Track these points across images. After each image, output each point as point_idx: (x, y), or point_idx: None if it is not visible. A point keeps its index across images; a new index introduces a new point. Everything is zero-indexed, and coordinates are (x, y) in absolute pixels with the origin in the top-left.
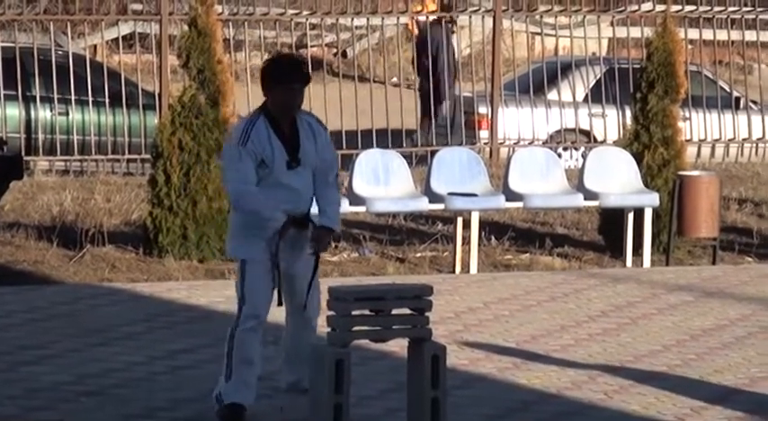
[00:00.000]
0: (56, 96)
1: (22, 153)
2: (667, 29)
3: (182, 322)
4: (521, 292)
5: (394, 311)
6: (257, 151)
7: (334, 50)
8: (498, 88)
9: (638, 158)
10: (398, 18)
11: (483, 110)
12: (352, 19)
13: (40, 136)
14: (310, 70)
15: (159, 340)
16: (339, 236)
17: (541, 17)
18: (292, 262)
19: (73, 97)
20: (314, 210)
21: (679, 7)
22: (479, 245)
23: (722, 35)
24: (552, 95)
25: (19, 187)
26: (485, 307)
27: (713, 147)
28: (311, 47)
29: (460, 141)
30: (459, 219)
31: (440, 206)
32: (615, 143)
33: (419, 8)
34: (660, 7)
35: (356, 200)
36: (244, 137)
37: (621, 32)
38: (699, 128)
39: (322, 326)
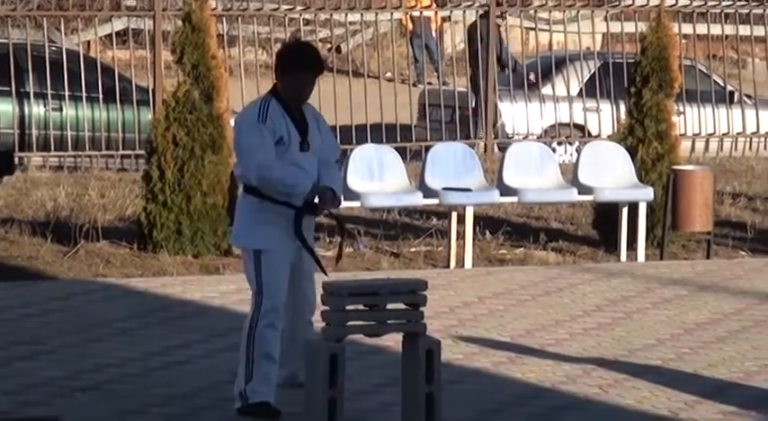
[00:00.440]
0: (49, 92)
1: (15, 149)
2: (661, 23)
3: (176, 317)
4: (515, 287)
5: (388, 306)
6: (276, 128)
7: (329, 46)
8: (492, 83)
9: (633, 153)
10: (392, 13)
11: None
12: (346, 14)
13: (34, 132)
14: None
15: (154, 335)
16: (338, 198)
17: (536, 12)
18: (299, 249)
19: (66, 93)
20: None
21: (673, 2)
22: (474, 239)
23: (716, 29)
24: (546, 90)
25: (13, 183)
26: (479, 301)
27: (707, 142)
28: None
29: (497, 133)
30: (454, 214)
31: (434, 201)
32: (609, 137)
33: (413, 3)
34: (654, 2)
35: (351, 195)
36: (262, 115)
37: (615, 27)
38: (693, 122)
39: (317, 321)
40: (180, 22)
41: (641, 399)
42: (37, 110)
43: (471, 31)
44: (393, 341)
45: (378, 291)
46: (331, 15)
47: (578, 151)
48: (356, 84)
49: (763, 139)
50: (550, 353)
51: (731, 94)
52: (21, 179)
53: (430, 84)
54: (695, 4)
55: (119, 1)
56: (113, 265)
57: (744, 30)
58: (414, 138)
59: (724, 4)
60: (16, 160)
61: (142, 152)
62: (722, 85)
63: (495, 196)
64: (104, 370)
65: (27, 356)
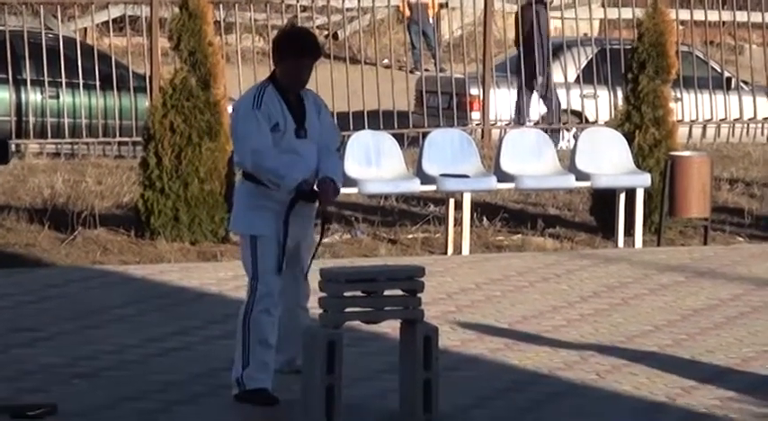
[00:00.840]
0: (46, 79)
1: (12, 136)
2: (658, 9)
3: (174, 304)
4: (513, 273)
5: (386, 292)
6: (271, 114)
7: (326, 32)
8: (490, 69)
9: (630, 139)
10: (389, 0)
11: (475, 91)
12: (343, 1)
13: (31, 119)
14: None
15: (151, 322)
16: (338, 189)
17: None
18: (300, 235)
19: (63, 80)
20: None
21: None
22: (471, 226)
23: (713, 15)
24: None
25: (10, 170)
26: (477, 288)
27: (704, 128)
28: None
29: (551, 120)
30: (451, 201)
31: (432, 187)
32: (607, 124)
33: None
34: None
35: (348, 181)
36: (257, 101)
37: (613, 13)
38: (690, 108)
39: (314, 308)
40: (177, 9)
41: (638, 385)
42: (34, 97)
43: (519, 17)
44: (391, 327)
45: (375, 278)
46: (328, 2)
47: (576, 137)
48: (353, 70)
49: (760, 125)
50: (548, 339)
51: (728, 80)
52: (18, 166)
53: (427, 70)
54: None
55: None
56: (111, 252)
57: (741, 16)
58: (411, 125)
59: None
60: (13, 147)
61: (139, 139)
62: (719, 71)
63: (492, 183)
64: (102, 356)
65: (25, 343)
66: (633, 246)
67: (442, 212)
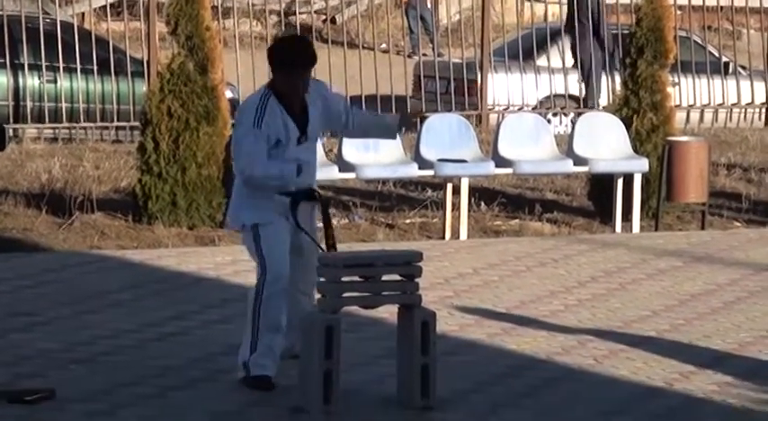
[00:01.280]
0: (44, 64)
1: (10, 121)
2: None
3: (171, 289)
4: (510, 258)
5: (384, 277)
6: (272, 133)
7: (324, 17)
8: (488, 54)
9: (628, 124)
10: None
11: (472, 76)
12: None
13: (29, 104)
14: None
15: (149, 307)
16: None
17: None
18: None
19: (61, 65)
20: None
21: None
22: (469, 211)
23: (711, 0)
24: (542, 61)
25: (7, 155)
26: (474, 273)
27: (702, 113)
28: (300, 13)
29: (593, 104)
30: (449, 186)
31: (429, 172)
32: (604, 109)
33: None
34: None
35: (346, 166)
36: (257, 119)
37: None
38: (688, 93)
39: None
40: None
41: (636, 370)
42: (31, 82)
43: (573, 3)
44: (388, 312)
45: (373, 263)
46: None
47: (573, 122)
48: (351, 55)
49: (757, 110)
50: (545, 324)
51: (726, 65)
52: (15, 151)
53: (425, 55)
54: None
55: None
56: (108, 237)
57: (739, 0)
58: (409, 110)
59: None
60: (10, 132)
61: (137, 124)
62: (717, 56)
63: (490, 167)
64: (100, 342)
65: (22, 328)
66: (631, 231)
67: (439, 197)
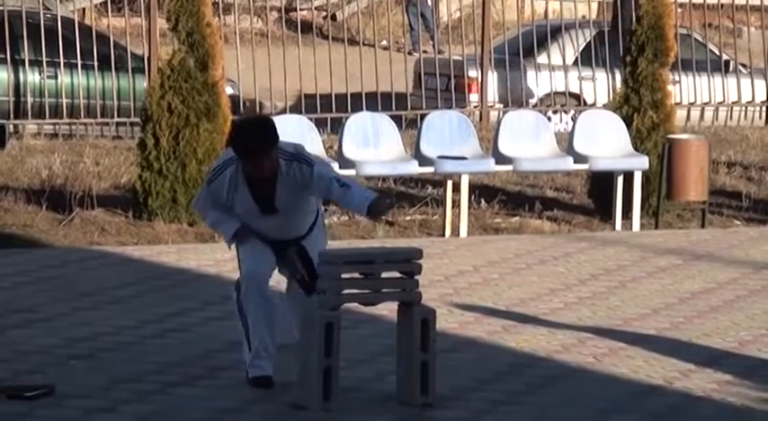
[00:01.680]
0: (44, 59)
1: (10, 117)
2: None
3: (171, 285)
4: (510, 256)
5: (383, 275)
6: (219, 197)
7: (324, 13)
8: (488, 51)
9: (628, 122)
10: None
11: (473, 73)
12: None
13: (29, 99)
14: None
15: (149, 303)
16: (386, 197)
17: None
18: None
19: (62, 60)
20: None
21: None
22: (469, 208)
23: None
24: (542, 59)
25: (8, 150)
26: (474, 270)
27: (702, 111)
28: (301, 10)
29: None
30: (449, 183)
31: (430, 169)
32: (605, 106)
33: None
34: None
35: (346, 163)
36: (213, 177)
37: None
38: (688, 91)
39: None
40: None
41: (636, 368)
42: (32, 77)
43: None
44: (388, 310)
45: (373, 260)
46: None
47: (574, 120)
48: (352, 52)
49: (758, 108)
50: (545, 321)
51: (726, 63)
52: (16, 147)
53: (425, 52)
54: None
55: None
56: (108, 233)
57: None
58: (409, 107)
59: None
60: (11, 128)
61: (137, 120)
62: (718, 53)
63: (490, 165)
64: (99, 338)
65: (22, 324)
66: (631, 229)
67: (439, 194)
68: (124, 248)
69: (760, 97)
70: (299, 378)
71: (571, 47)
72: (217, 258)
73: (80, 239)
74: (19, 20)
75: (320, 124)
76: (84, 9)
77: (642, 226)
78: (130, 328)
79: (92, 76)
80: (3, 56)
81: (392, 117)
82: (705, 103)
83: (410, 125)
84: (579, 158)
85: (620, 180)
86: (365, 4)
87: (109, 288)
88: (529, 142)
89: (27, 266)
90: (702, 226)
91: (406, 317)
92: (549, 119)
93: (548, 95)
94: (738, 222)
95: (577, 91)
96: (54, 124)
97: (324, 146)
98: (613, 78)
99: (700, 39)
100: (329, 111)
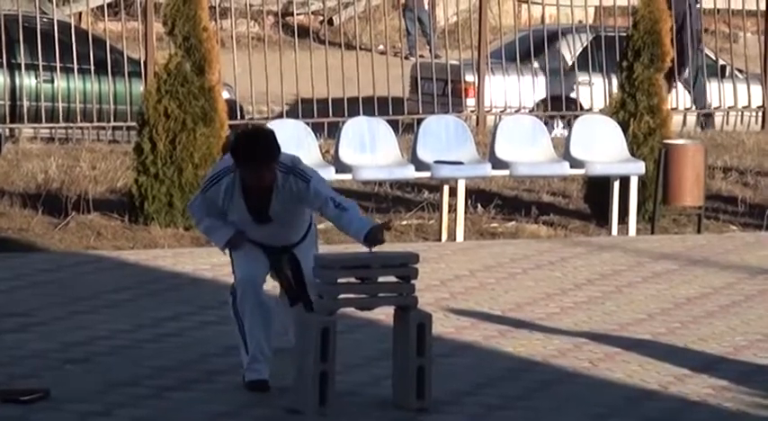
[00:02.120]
0: (41, 64)
1: (6, 121)
2: None
3: (167, 289)
4: (506, 260)
5: (380, 279)
6: (213, 205)
7: (321, 18)
8: (485, 56)
9: (624, 127)
10: None
11: (470, 78)
12: None
13: (25, 103)
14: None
15: (145, 308)
16: (382, 226)
17: None
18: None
19: (58, 64)
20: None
21: None
22: (465, 213)
23: (708, 3)
24: (539, 63)
25: (3, 154)
26: (471, 275)
27: (698, 116)
28: (297, 14)
29: (702, 105)
30: (446, 187)
31: (426, 174)
32: (601, 111)
33: None
34: None
35: (342, 167)
36: (208, 186)
37: (608, 1)
38: (685, 96)
39: None
40: None
41: (631, 373)
42: (28, 81)
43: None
44: (384, 314)
45: (369, 264)
46: None
47: (570, 125)
48: (348, 56)
49: (754, 114)
50: (541, 326)
51: (723, 68)
52: (12, 151)
53: (422, 56)
54: None
55: None
56: (104, 237)
57: (735, 3)
58: (406, 111)
59: None
60: (6, 132)
61: (134, 124)
62: (714, 58)
63: (486, 169)
64: (95, 342)
65: (17, 328)
66: (627, 233)
67: (436, 199)
68: (120, 252)
69: (756, 102)
70: (295, 382)
71: (568, 52)
72: (213, 262)
73: (76, 243)
74: (15, 24)
75: (317, 129)
76: (80, 13)
77: (638, 231)
78: (126, 332)
79: (88, 81)
80: None
81: (389, 122)
82: (701, 109)
83: (407, 130)
84: (575, 163)
85: (617, 185)
86: (362, 9)
87: (104, 292)
88: (525, 147)
89: (22, 270)
90: (698, 231)
91: (403, 321)
92: (546, 123)
93: (544, 100)
94: (734, 227)
95: (574, 96)
96: (50, 128)
97: (320, 150)
98: (610, 83)
99: None
100: (326, 115)
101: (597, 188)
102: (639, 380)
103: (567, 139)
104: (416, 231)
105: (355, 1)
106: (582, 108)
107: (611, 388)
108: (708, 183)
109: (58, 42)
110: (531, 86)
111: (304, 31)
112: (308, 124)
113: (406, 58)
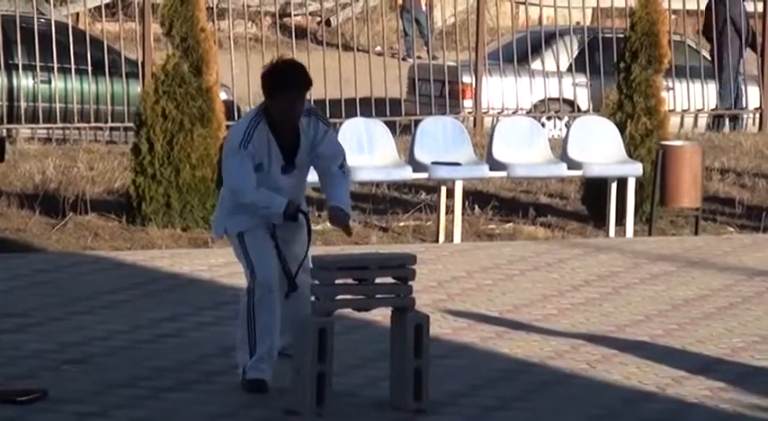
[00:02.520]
0: (38, 64)
1: (4, 121)
2: None
3: (165, 290)
4: (504, 262)
5: (377, 280)
6: (256, 154)
7: (318, 19)
8: (482, 57)
9: (622, 128)
10: None
11: (467, 79)
12: None
13: (23, 104)
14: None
15: (142, 308)
16: (349, 216)
17: None
18: (287, 248)
19: (55, 65)
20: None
21: None
22: (463, 214)
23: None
24: (536, 65)
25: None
26: (468, 276)
27: (696, 117)
28: (295, 15)
29: (729, 105)
30: (443, 189)
31: (423, 175)
32: (599, 113)
33: None
34: None
35: None
36: (245, 139)
37: (605, 2)
38: (682, 98)
39: None
40: None
41: (629, 375)
42: (26, 82)
43: (712, 11)
44: (382, 315)
45: (367, 266)
46: None
47: (567, 126)
48: (346, 57)
49: (751, 115)
50: (538, 328)
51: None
52: (9, 151)
53: (420, 58)
54: None
55: None
56: (102, 238)
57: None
58: (403, 113)
59: None
60: (3, 132)
61: (131, 125)
62: (711, 60)
63: (484, 171)
64: (92, 343)
65: (15, 329)
66: (624, 235)
67: (433, 200)
68: (117, 253)
69: (753, 104)
70: (293, 383)
71: (565, 53)
72: (210, 263)
73: (73, 244)
74: (12, 24)
75: None
76: (77, 14)
77: (635, 232)
78: (124, 333)
79: (86, 81)
80: None
81: (386, 123)
82: (699, 110)
83: (404, 131)
84: (573, 165)
85: (614, 186)
86: (359, 10)
87: (102, 293)
88: (523, 148)
89: (20, 271)
90: (696, 232)
91: (400, 322)
92: (543, 125)
93: (542, 102)
94: (731, 229)
95: (571, 97)
96: (47, 129)
97: None
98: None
99: (693, 45)
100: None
101: (594, 189)
102: (637, 381)
103: (565, 141)
104: (414, 232)
105: (353, 2)
106: (579, 109)
107: (609, 389)
108: (705, 184)
109: (56, 43)
110: (528, 88)
111: (301, 32)
112: None
113: (404, 59)
